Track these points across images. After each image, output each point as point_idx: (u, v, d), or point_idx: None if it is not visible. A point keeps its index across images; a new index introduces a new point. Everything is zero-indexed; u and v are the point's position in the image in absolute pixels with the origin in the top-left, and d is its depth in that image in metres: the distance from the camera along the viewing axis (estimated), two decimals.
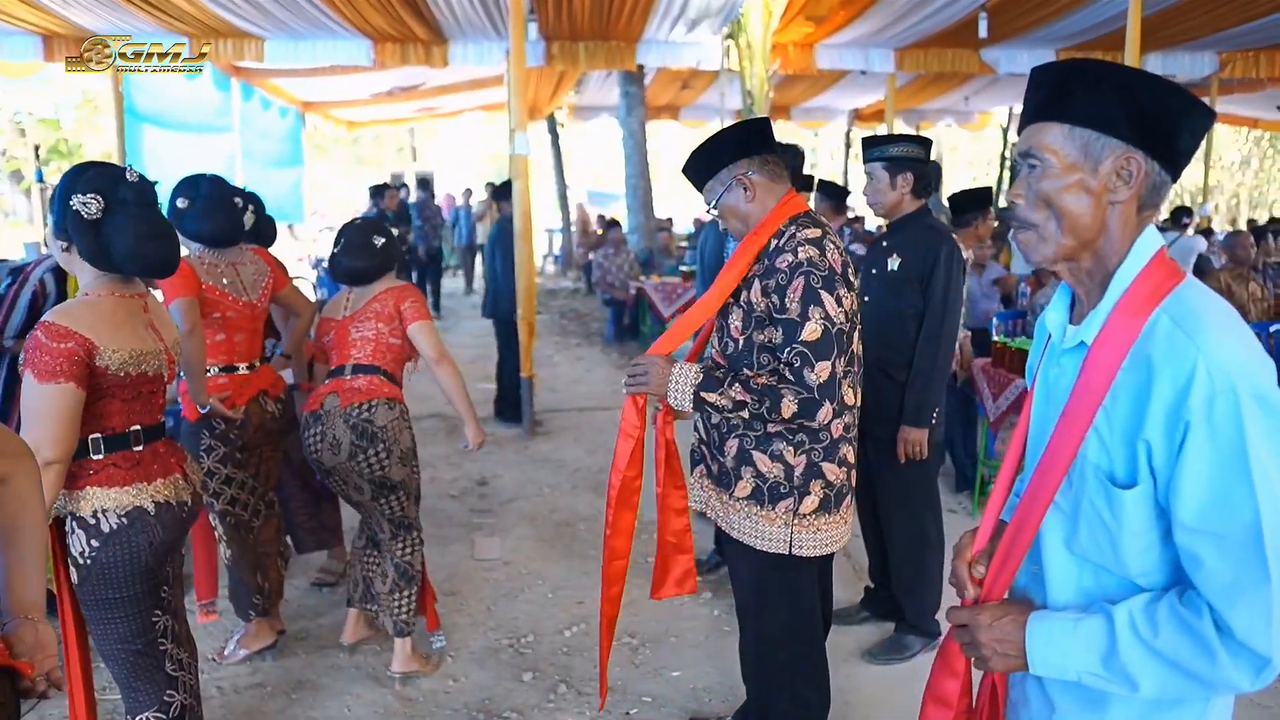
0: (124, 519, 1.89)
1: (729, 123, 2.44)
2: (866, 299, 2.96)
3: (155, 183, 2.02)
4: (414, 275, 11.00)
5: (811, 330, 1.90)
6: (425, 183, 12.92)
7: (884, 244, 3.00)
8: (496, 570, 3.75)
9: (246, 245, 3.05)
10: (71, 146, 20.37)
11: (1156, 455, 1.01)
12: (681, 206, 23.33)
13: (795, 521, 2.03)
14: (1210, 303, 1.05)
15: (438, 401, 5.99)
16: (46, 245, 1.94)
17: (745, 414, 1.94)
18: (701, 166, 2.10)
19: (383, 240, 2.89)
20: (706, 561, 3.72)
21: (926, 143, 2.95)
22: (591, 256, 11.18)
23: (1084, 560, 1.12)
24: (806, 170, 4.73)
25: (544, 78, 10.14)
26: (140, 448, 1.96)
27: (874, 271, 2.99)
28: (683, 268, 9.24)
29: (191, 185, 2.82)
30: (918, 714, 1.31)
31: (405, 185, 12.44)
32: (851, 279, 2.00)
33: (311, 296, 5.22)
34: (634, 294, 8.99)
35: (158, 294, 2.58)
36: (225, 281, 2.86)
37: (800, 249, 1.94)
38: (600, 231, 12.67)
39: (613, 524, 2.11)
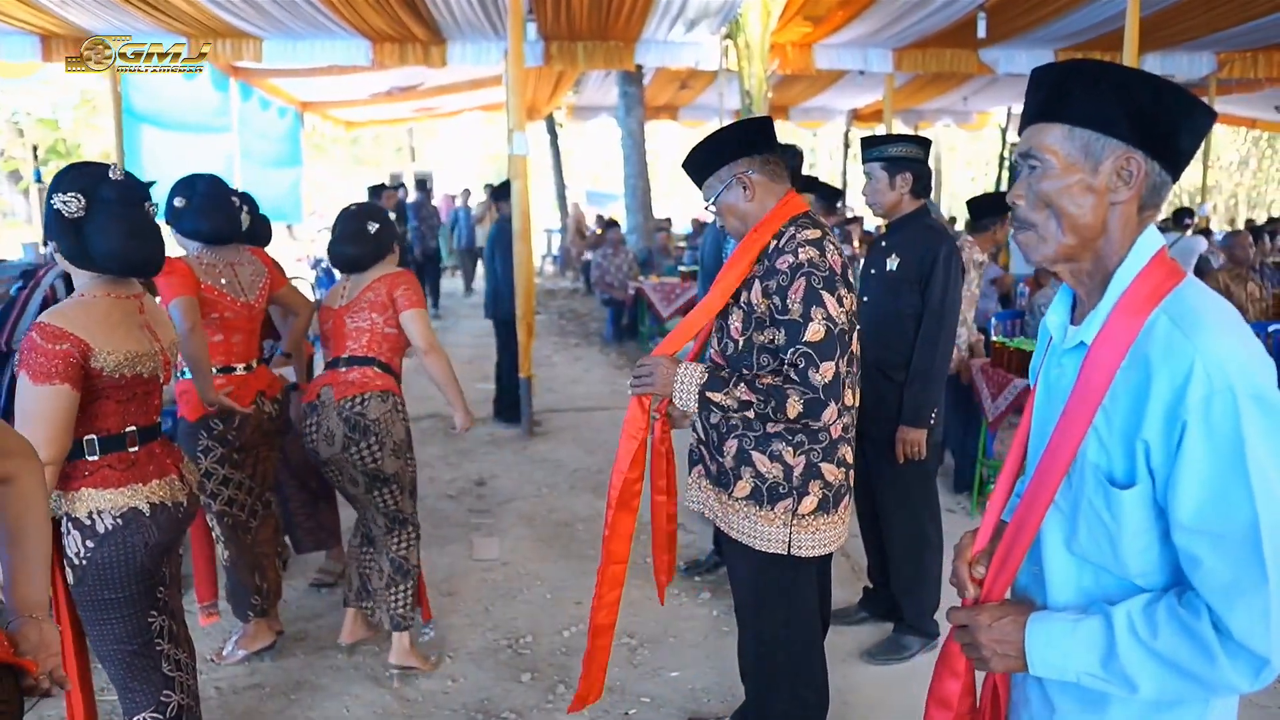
0: (119, 520, 1.89)
1: (728, 123, 2.44)
2: (865, 299, 2.96)
3: (152, 183, 2.01)
4: None
5: (815, 331, 1.90)
6: (422, 184, 12.91)
7: (883, 244, 2.99)
8: (495, 571, 3.75)
9: (243, 246, 3.05)
10: (70, 147, 20.37)
11: (1155, 455, 1.01)
12: (680, 207, 23.36)
13: (794, 522, 2.03)
14: (1210, 302, 1.05)
15: (437, 401, 5.98)
16: (45, 246, 1.94)
17: (750, 414, 1.94)
18: (702, 163, 2.09)
19: (377, 226, 2.88)
20: (706, 561, 3.72)
21: (925, 143, 2.95)
22: (590, 256, 11.17)
23: (1084, 561, 1.12)
24: (805, 170, 4.73)
25: (543, 78, 10.14)
26: (136, 449, 1.95)
27: (873, 272, 2.99)
28: (681, 268, 9.24)
29: (188, 184, 2.83)
30: (916, 714, 1.30)
31: (403, 185, 12.42)
32: (851, 279, 2.00)
33: (310, 296, 5.22)
34: (633, 294, 8.98)
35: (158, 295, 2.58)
36: (224, 282, 2.85)
37: (800, 250, 1.93)
38: (598, 231, 12.67)
39: (612, 525, 2.10)
